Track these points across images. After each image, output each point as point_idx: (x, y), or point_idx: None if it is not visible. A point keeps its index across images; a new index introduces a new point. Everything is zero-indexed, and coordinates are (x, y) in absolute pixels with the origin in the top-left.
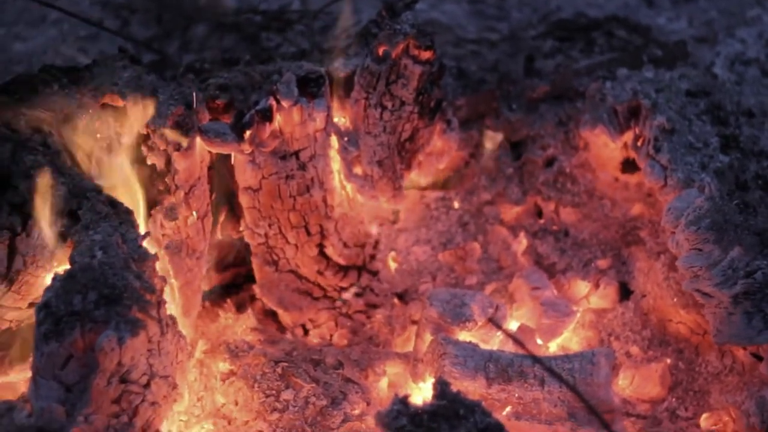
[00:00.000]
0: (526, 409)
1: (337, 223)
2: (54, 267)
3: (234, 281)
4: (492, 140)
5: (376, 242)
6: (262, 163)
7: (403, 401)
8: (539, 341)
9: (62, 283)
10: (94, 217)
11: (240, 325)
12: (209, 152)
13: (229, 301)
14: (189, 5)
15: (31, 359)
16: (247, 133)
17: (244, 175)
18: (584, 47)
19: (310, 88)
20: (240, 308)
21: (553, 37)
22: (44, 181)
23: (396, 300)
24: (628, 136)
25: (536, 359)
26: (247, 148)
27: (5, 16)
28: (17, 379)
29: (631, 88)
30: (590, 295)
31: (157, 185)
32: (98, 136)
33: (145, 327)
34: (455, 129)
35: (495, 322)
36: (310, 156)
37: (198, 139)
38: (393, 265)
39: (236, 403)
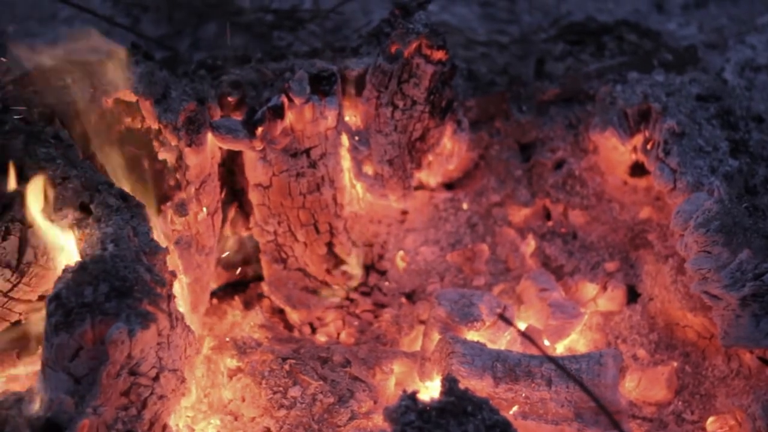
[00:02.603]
0: (533, 408)
1: (346, 221)
2: (65, 259)
3: (242, 278)
4: None
5: (385, 242)
6: (273, 160)
7: (412, 397)
8: (546, 342)
9: (73, 275)
10: (105, 210)
11: (248, 323)
12: (220, 148)
13: (237, 298)
14: (200, 3)
15: (41, 351)
16: (259, 129)
17: (255, 172)
18: (595, 51)
19: (322, 86)
20: (248, 305)
21: (564, 41)
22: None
23: (404, 299)
24: (638, 140)
25: (546, 356)
26: (258, 144)
27: (17, 12)
28: (27, 371)
29: (641, 92)
30: (598, 298)
31: (168, 180)
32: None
33: (155, 320)
34: (465, 130)
35: (505, 318)
36: (321, 154)
37: (209, 135)
38: (401, 265)
39: (243, 400)
